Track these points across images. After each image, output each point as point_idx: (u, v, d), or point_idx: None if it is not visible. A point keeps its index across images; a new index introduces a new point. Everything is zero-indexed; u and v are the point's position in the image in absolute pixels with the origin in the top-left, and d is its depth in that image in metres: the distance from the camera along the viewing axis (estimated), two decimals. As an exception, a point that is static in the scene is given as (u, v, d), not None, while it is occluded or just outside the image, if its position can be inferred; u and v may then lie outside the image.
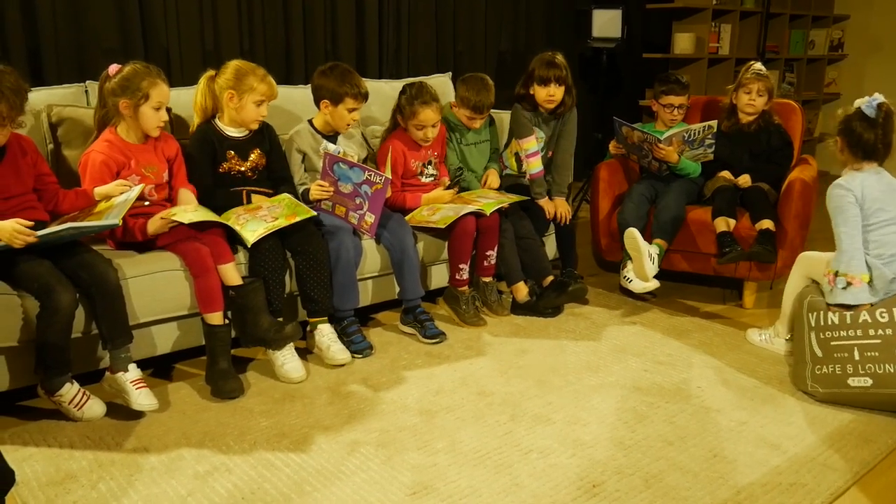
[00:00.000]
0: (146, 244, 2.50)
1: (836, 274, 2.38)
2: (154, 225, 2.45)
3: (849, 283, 2.34)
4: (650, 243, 3.15)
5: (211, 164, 2.72)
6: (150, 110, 2.49)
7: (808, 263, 2.64)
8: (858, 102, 2.45)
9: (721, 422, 2.30)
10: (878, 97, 2.43)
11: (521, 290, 3.18)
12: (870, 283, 2.34)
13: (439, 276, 3.18)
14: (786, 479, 2.00)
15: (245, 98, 2.67)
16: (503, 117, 3.57)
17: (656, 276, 3.13)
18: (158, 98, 2.49)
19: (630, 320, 3.14)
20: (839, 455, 2.11)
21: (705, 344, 2.90)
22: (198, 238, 2.48)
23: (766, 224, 3.06)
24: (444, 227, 2.94)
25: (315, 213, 2.68)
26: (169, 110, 2.61)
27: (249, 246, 2.51)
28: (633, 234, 3.09)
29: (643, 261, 3.07)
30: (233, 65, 2.69)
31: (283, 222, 2.57)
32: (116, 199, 2.40)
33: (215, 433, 2.20)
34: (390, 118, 3.22)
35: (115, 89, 2.47)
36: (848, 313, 2.37)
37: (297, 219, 2.60)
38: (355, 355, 2.73)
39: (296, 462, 2.05)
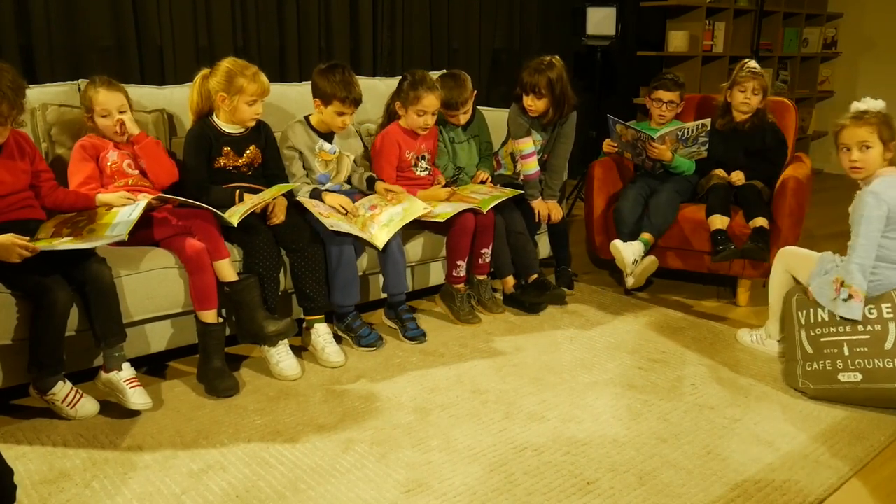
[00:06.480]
0: (142, 240, 2.47)
1: (843, 284, 2.33)
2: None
3: (850, 297, 2.32)
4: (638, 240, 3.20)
5: (206, 159, 2.72)
6: (100, 119, 2.56)
7: (789, 259, 2.67)
8: (872, 103, 2.40)
9: (715, 419, 2.30)
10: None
11: (509, 283, 3.24)
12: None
13: (436, 274, 3.18)
14: (779, 476, 2.00)
15: (237, 100, 2.66)
16: (499, 115, 3.57)
17: (655, 275, 3.18)
18: (102, 105, 2.54)
19: (624, 318, 3.15)
20: (832, 452, 2.12)
21: (699, 341, 2.91)
22: (193, 233, 2.47)
23: (760, 222, 3.07)
24: (442, 220, 2.93)
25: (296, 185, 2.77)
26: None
27: (235, 225, 2.49)
28: (616, 247, 3.18)
29: (628, 270, 3.18)
30: (224, 66, 2.66)
31: (268, 197, 2.60)
32: (120, 210, 2.37)
33: (209, 431, 2.20)
34: (384, 115, 3.22)
35: (83, 109, 2.58)
36: None
37: (283, 191, 2.66)
38: (368, 349, 2.76)
39: (290, 460, 2.05)
